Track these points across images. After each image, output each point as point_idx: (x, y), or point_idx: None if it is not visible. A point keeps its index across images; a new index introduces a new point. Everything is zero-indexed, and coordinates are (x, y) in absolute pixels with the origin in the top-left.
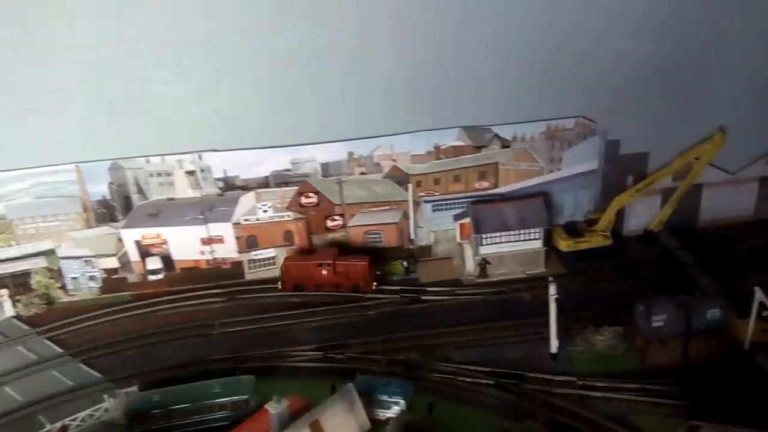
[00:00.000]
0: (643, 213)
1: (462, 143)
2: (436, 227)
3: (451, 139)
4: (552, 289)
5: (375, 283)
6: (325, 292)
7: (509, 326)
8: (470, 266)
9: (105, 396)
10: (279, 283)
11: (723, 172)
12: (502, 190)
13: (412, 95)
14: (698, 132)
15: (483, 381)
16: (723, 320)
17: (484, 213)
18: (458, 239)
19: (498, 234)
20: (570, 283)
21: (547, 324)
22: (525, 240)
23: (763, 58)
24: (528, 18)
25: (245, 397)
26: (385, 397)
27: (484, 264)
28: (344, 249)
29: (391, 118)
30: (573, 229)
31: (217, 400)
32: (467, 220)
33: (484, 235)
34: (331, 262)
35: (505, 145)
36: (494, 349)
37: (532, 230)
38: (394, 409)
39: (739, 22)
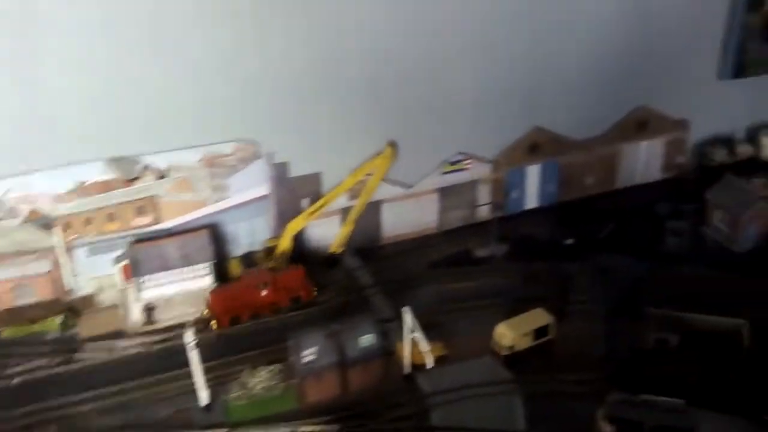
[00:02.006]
0: (325, 235)
1: (110, 177)
2: (97, 273)
3: (96, 173)
4: (188, 336)
5: (315, 289)
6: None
7: (167, 378)
8: (135, 313)
9: None
10: (212, 321)
11: (401, 187)
12: (167, 225)
13: (41, 126)
14: (369, 148)
15: None
16: (380, 345)
17: (143, 252)
18: (121, 284)
19: (160, 274)
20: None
21: (210, 370)
22: (193, 278)
23: (420, 69)
24: (182, 44)
25: None
26: None
27: (149, 309)
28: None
29: (17, 152)
30: (251, 260)
31: None
32: (127, 262)
33: (144, 277)
34: (270, 279)
35: (161, 176)
36: (144, 408)
37: (198, 266)
38: None
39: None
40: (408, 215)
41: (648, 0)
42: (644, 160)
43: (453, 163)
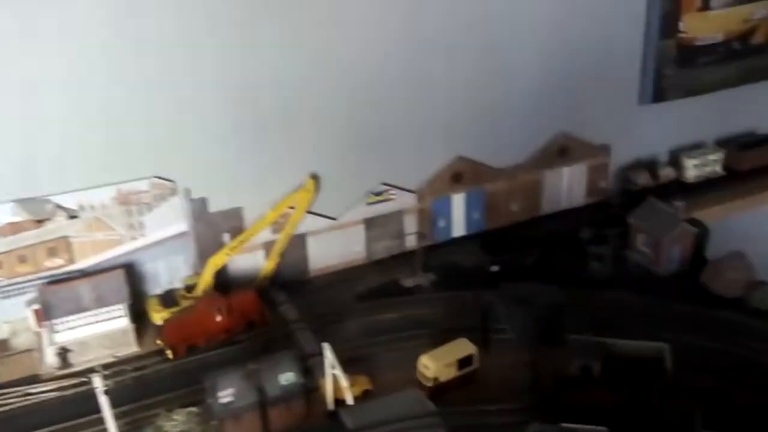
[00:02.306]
0: (249, 270)
1: (20, 218)
2: (9, 317)
3: (5, 215)
4: (97, 381)
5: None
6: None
7: (82, 425)
8: (50, 357)
9: None
10: (168, 351)
11: (326, 219)
12: (80, 265)
13: None
14: (291, 181)
15: None
16: (302, 383)
17: (56, 295)
18: (34, 327)
19: (74, 316)
20: (161, 362)
21: (126, 415)
22: (108, 319)
23: (338, 100)
24: (90, 79)
25: None
26: None
27: (64, 352)
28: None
29: None
30: (170, 299)
31: None
32: (39, 305)
33: (57, 320)
34: (224, 305)
35: (73, 215)
36: None
37: (113, 307)
38: None
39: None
40: (335, 247)
41: (566, 28)
42: (568, 186)
43: (377, 194)
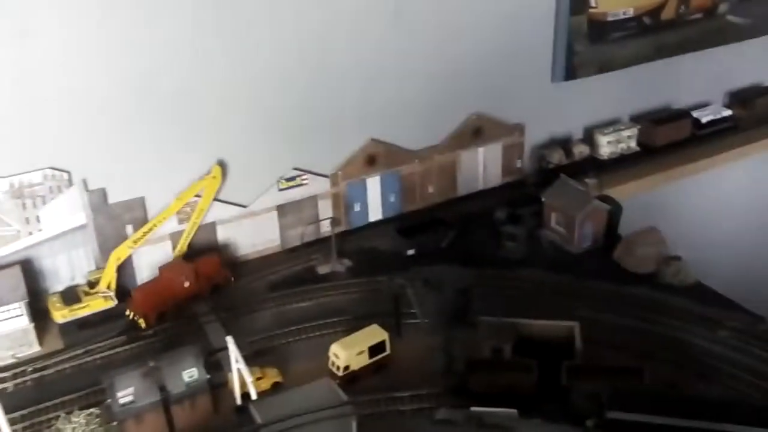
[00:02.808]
0: (156, 262)
1: None
2: None
3: None
4: None
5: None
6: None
7: None
8: None
9: None
10: (139, 321)
11: (236, 206)
12: None
13: None
14: (197, 168)
15: None
16: (206, 379)
17: None
18: None
19: None
20: (63, 361)
21: (25, 418)
22: (6, 319)
23: (245, 84)
24: None
25: None
26: None
27: None
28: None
29: None
30: (72, 295)
31: None
32: None
33: None
34: (190, 270)
35: None
36: None
37: (11, 306)
38: None
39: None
40: (247, 235)
41: (475, 6)
42: (483, 166)
43: (289, 180)
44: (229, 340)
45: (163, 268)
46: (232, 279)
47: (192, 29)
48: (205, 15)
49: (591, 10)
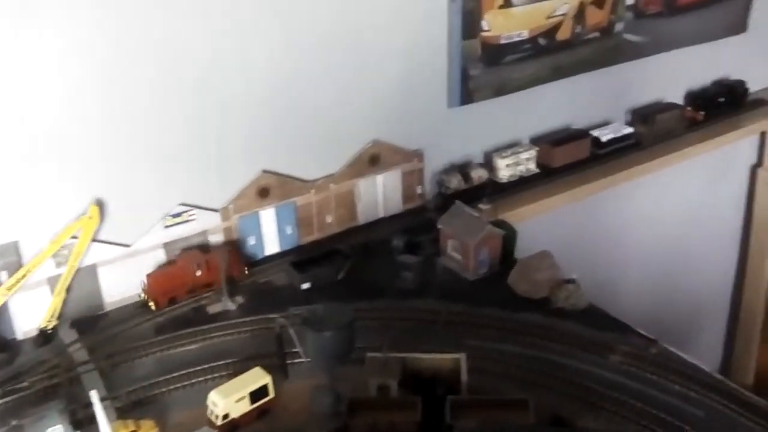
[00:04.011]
0: (33, 309)
1: None
2: None
3: None
4: None
5: (246, 267)
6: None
7: None
8: None
9: None
10: (150, 303)
11: (119, 246)
12: None
13: None
14: (74, 208)
15: None
16: None
17: None
18: None
19: None
20: None
21: None
22: None
23: (123, 116)
24: None
25: None
26: None
27: None
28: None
29: None
30: None
31: None
32: None
33: None
34: (203, 260)
35: None
36: None
37: None
38: None
39: None
40: (132, 276)
41: (366, 35)
42: (383, 194)
43: (175, 216)
44: (93, 395)
45: (176, 256)
46: (246, 272)
47: (59, 59)
48: (78, 44)
49: (484, 34)
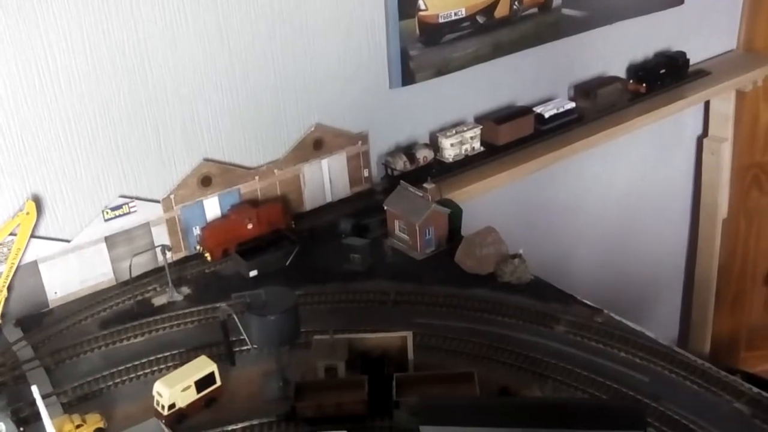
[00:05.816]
0: None
1: None
2: None
3: None
4: None
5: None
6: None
7: None
8: None
9: None
10: (206, 254)
11: (59, 242)
12: None
13: None
14: (11, 205)
15: None
16: None
17: None
18: None
19: None
20: None
21: None
22: None
23: (58, 106)
24: None
25: None
26: None
27: None
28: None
29: None
30: None
31: None
32: None
33: None
34: (253, 214)
35: None
36: None
37: None
38: None
39: None
40: (74, 271)
41: (303, 18)
42: (329, 179)
43: (114, 209)
44: (35, 390)
45: (229, 210)
46: (293, 224)
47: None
48: (5, 37)
49: (421, 13)
